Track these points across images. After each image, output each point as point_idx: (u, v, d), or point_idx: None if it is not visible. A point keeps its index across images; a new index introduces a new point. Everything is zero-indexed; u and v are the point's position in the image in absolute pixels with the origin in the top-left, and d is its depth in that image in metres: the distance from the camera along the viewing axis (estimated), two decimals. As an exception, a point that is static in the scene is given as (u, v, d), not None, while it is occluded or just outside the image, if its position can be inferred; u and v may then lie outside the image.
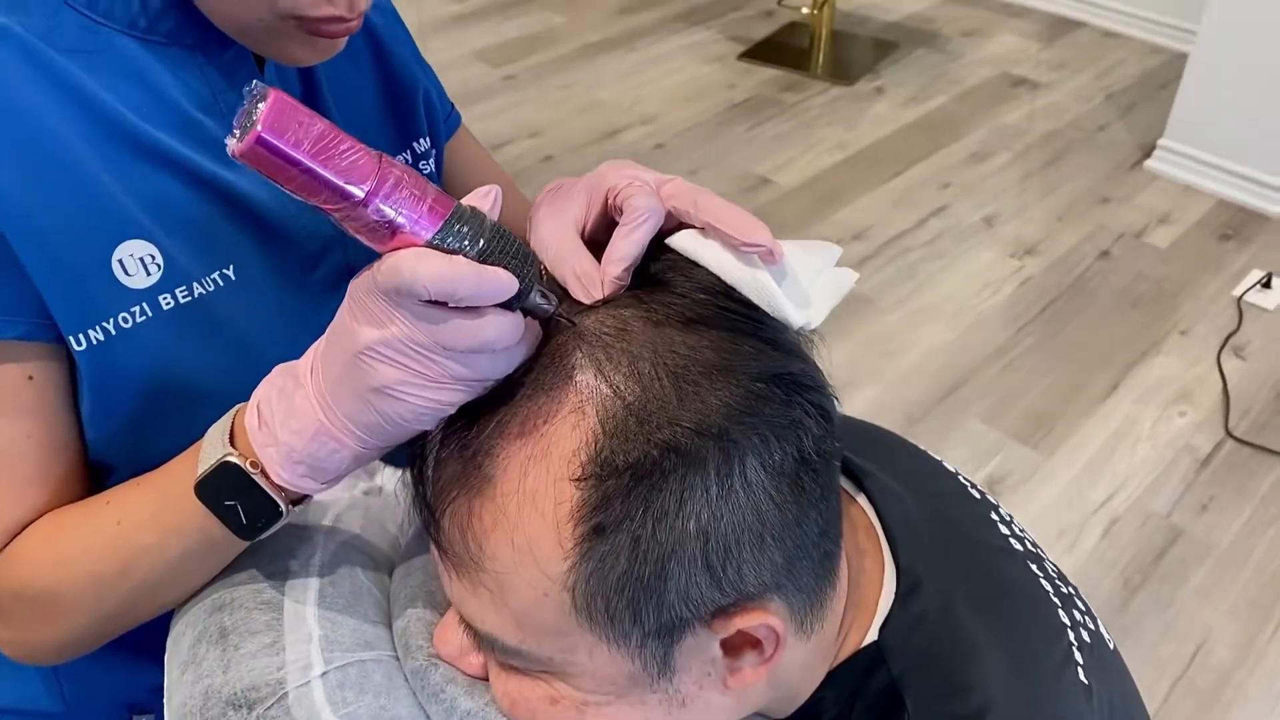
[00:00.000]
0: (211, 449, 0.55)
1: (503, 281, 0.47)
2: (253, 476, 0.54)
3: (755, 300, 0.52)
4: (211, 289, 0.65)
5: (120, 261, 0.61)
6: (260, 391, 0.55)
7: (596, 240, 0.54)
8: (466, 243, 0.47)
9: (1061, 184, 2.95)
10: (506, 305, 0.49)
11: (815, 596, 0.53)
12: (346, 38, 0.64)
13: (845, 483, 0.66)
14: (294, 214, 0.69)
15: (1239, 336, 2.40)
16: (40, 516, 0.62)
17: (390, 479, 0.72)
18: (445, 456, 0.51)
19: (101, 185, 0.60)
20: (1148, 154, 3.02)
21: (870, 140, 3.15)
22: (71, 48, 0.61)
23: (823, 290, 0.54)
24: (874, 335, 2.39)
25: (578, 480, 0.47)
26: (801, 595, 0.52)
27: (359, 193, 0.45)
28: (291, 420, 0.53)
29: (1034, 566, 0.65)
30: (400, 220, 0.46)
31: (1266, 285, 2.53)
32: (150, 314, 0.62)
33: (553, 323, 0.51)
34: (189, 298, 0.64)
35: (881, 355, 2.34)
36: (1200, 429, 2.16)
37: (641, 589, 0.48)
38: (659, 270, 0.53)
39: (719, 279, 0.52)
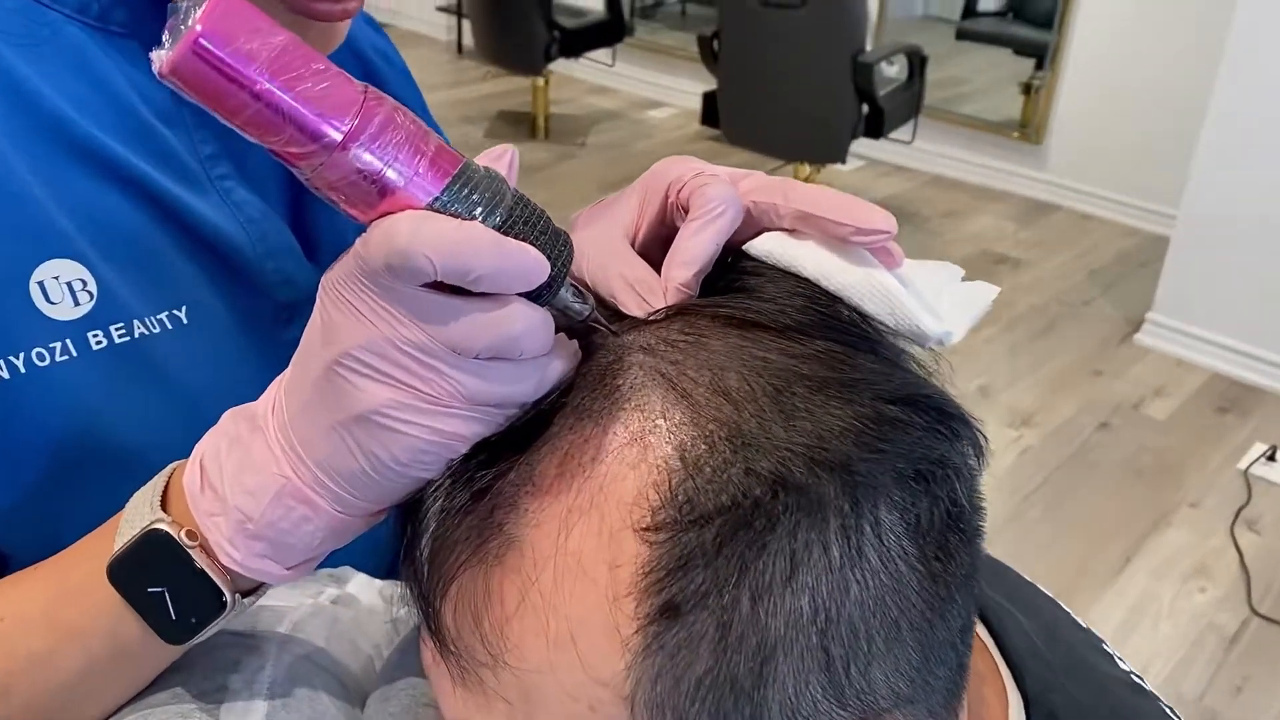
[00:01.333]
0: (135, 516, 0.42)
1: (531, 260, 0.36)
2: (189, 551, 0.40)
3: (872, 310, 0.40)
4: (157, 330, 0.52)
5: (41, 284, 0.48)
6: (206, 443, 0.42)
7: (651, 255, 0.42)
8: (480, 211, 0.36)
9: (1052, 356, 2.90)
10: (532, 298, 0.37)
11: (948, 713, 0.39)
12: (344, 34, 0.54)
13: None
14: (267, 252, 0.57)
15: (1250, 510, 2.30)
16: None
17: (364, 588, 0.57)
18: (451, 511, 0.38)
19: (24, 189, 0.48)
20: (1136, 328, 3.00)
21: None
22: (12, 32, 0.50)
23: (954, 305, 0.42)
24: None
25: (646, 530, 0.34)
26: (933, 715, 0.38)
27: (335, 133, 0.33)
28: (246, 476, 0.39)
29: (1164, 706, 0.52)
30: (392, 175, 0.34)
31: (1272, 458, 2.46)
32: (75, 353, 0.49)
33: (589, 338, 0.40)
34: (126, 338, 0.51)
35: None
36: (1223, 605, 2.03)
37: (731, 698, 0.34)
38: (736, 281, 0.41)
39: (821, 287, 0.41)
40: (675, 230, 0.42)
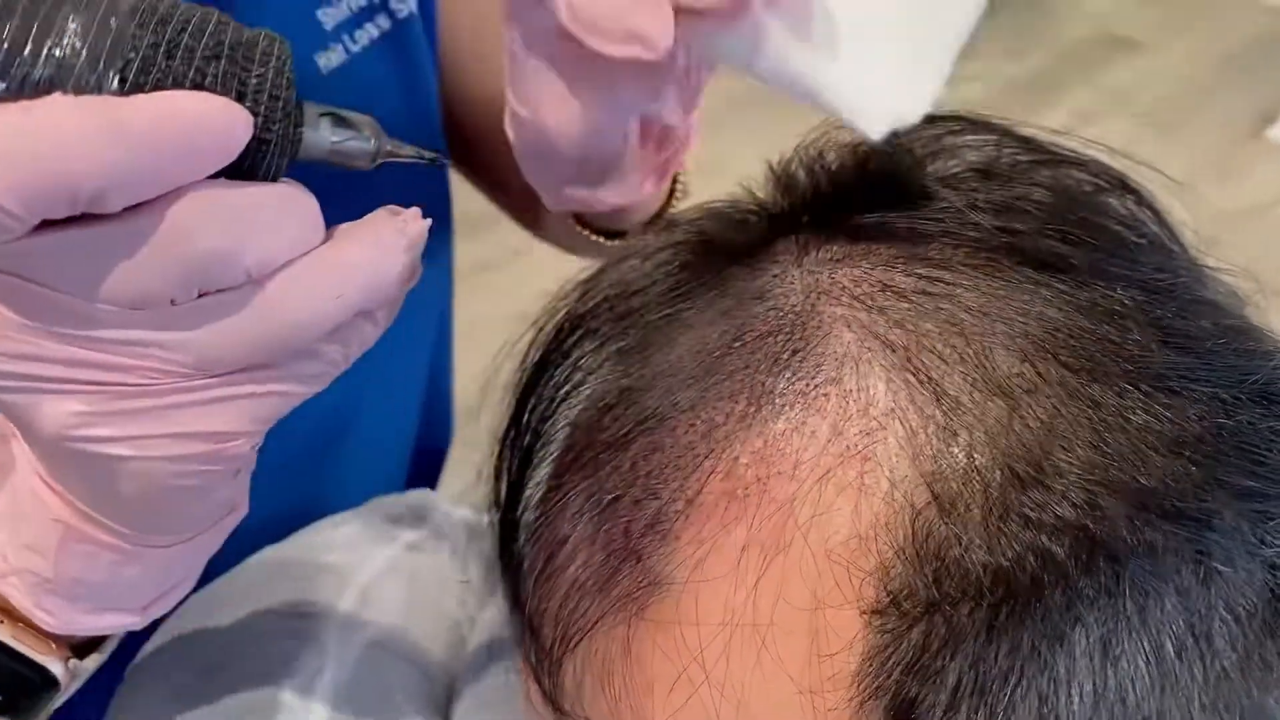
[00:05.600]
0: None
1: (191, 117, 0.23)
2: None
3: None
4: None
5: None
6: None
7: None
8: (69, 50, 0.22)
9: (1174, 155, 2.66)
10: (250, 172, 0.25)
11: None
12: None
13: None
14: None
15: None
16: None
17: (449, 523, 0.46)
18: (567, 530, 0.27)
19: None
20: (1271, 122, 2.74)
21: (962, 104, 2.88)
22: None
23: (902, 42, 0.28)
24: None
25: (875, 613, 0.24)
26: None
27: None
28: (19, 527, 0.28)
29: None
30: None
31: None
32: None
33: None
34: None
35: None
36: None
37: None
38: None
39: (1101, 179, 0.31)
40: None
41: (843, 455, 0.25)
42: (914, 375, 0.25)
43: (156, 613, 0.31)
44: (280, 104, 0.24)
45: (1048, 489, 0.23)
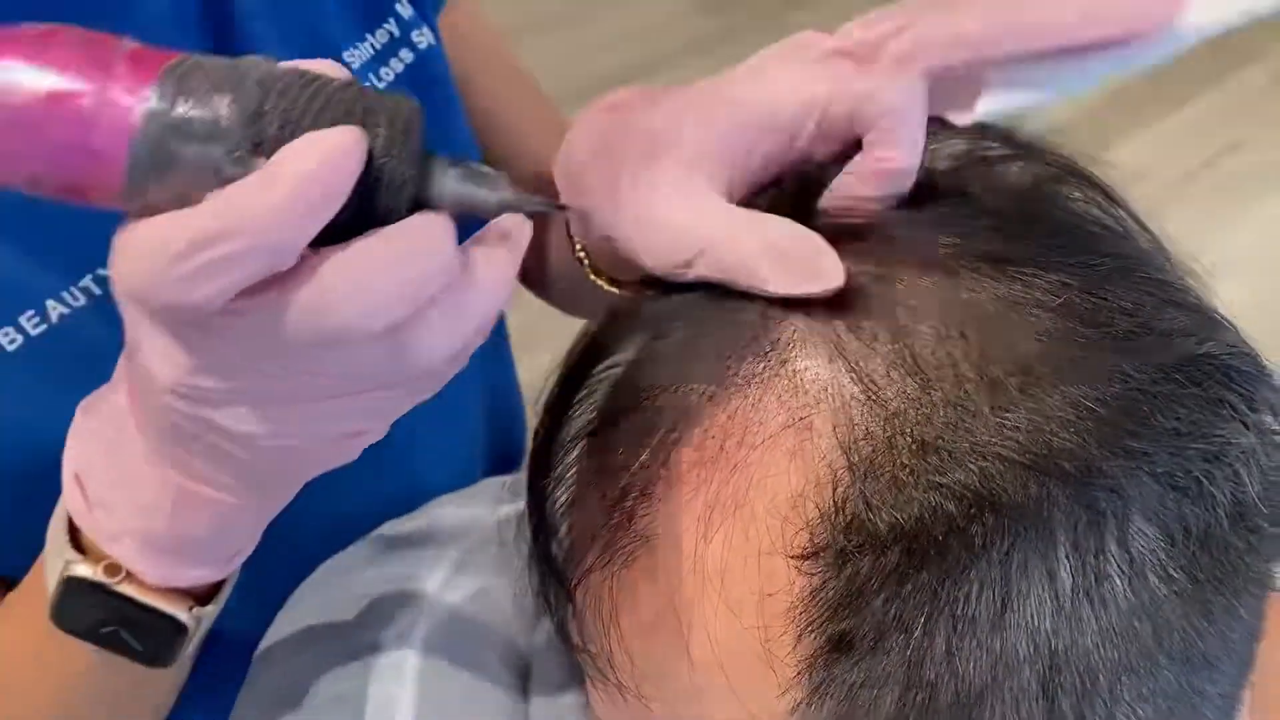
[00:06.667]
0: (53, 554, 0.37)
1: (318, 181, 0.25)
2: (115, 589, 0.35)
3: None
4: (81, 302, 0.44)
5: None
6: (73, 453, 0.35)
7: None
8: (206, 110, 0.26)
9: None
10: (376, 222, 0.27)
11: None
12: None
13: None
14: None
15: None
16: None
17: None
18: (580, 489, 0.33)
19: None
20: None
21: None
22: None
23: None
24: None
25: (801, 558, 0.27)
26: None
27: None
28: (134, 490, 0.33)
29: None
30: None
31: None
32: None
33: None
34: (43, 325, 0.43)
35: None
36: None
37: None
38: (946, 186, 0.32)
39: (1050, 169, 0.32)
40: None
41: (786, 426, 0.29)
42: (845, 360, 0.29)
43: (235, 565, 0.37)
44: (405, 159, 0.27)
45: (946, 456, 0.27)
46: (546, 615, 0.34)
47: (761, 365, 0.30)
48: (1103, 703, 0.28)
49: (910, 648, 0.27)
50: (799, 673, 0.28)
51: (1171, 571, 0.28)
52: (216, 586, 0.38)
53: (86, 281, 0.44)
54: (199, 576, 0.36)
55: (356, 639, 0.42)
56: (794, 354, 0.30)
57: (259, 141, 0.26)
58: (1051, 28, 0.31)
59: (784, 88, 0.33)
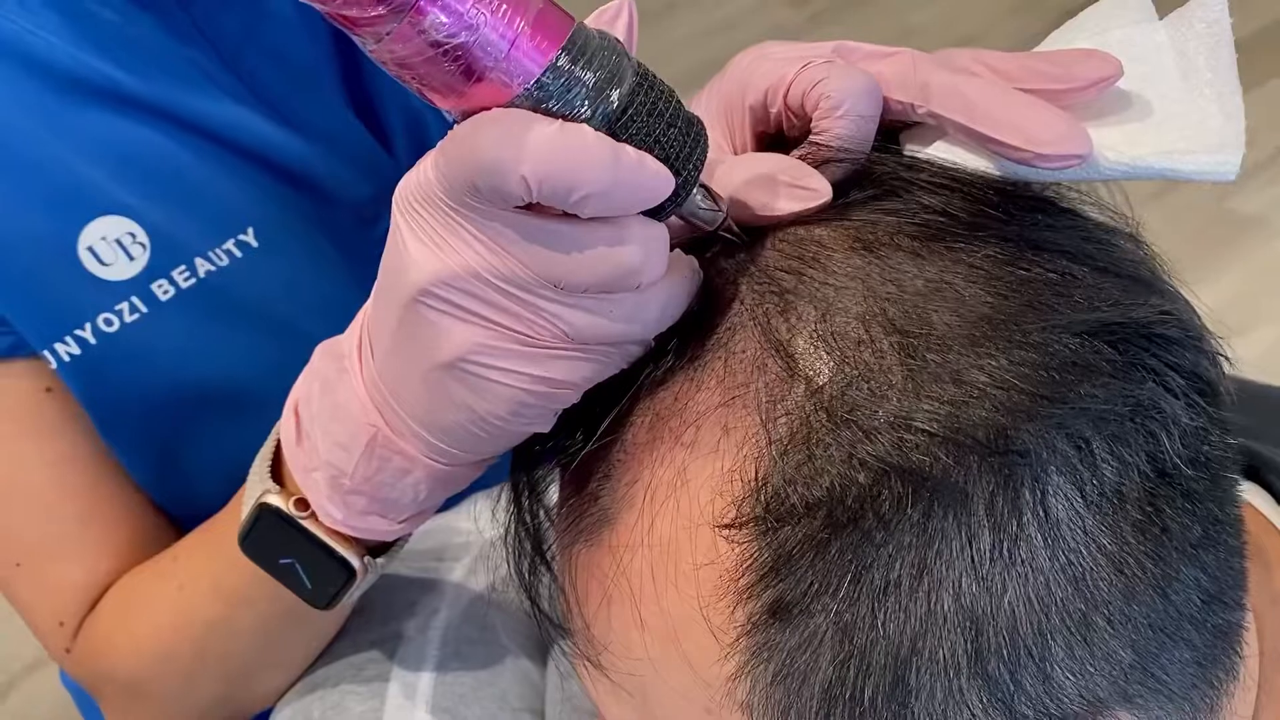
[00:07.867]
0: (253, 482, 0.40)
1: (650, 175, 0.29)
2: (301, 523, 0.38)
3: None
4: (225, 262, 0.50)
5: (91, 249, 0.47)
6: (299, 386, 0.38)
7: None
8: (585, 105, 0.28)
9: None
10: (653, 212, 0.30)
11: (1199, 700, 0.32)
12: None
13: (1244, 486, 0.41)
14: (328, 151, 0.53)
15: None
16: (117, 570, 0.50)
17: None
18: (560, 475, 0.35)
19: (45, 153, 0.46)
20: None
21: (1252, 23, 2.62)
22: None
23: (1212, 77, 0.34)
24: (1268, 263, 1.96)
25: (727, 528, 0.29)
26: (1173, 704, 0.31)
27: None
28: (336, 426, 0.36)
29: None
30: (481, 46, 0.27)
31: None
32: (144, 309, 0.48)
33: (711, 247, 0.34)
34: (192, 280, 0.49)
35: (1279, 289, 1.90)
36: None
37: (862, 709, 0.29)
38: (884, 176, 0.33)
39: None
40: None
41: (721, 404, 0.30)
42: (768, 339, 0.30)
43: (408, 528, 0.39)
44: (691, 171, 0.31)
45: (858, 429, 0.28)
46: (524, 595, 0.36)
47: (702, 345, 0.31)
48: (1035, 665, 0.28)
49: (837, 610, 0.28)
50: (737, 638, 0.29)
51: (1095, 534, 0.28)
52: (388, 547, 0.41)
53: (229, 244, 0.50)
54: (374, 527, 0.38)
55: (387, 618, 0.45)
56: (734, 336, 0.31)
57: (622, 121, 0.29)
58: (956, 110, 0.32)
59: (758, 73, 0.36)
